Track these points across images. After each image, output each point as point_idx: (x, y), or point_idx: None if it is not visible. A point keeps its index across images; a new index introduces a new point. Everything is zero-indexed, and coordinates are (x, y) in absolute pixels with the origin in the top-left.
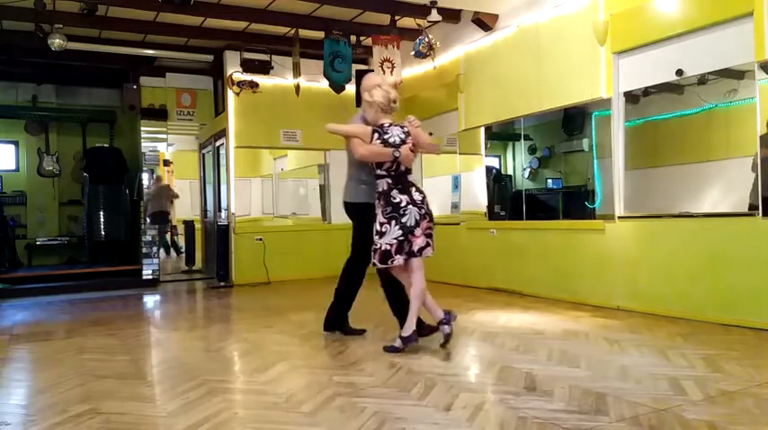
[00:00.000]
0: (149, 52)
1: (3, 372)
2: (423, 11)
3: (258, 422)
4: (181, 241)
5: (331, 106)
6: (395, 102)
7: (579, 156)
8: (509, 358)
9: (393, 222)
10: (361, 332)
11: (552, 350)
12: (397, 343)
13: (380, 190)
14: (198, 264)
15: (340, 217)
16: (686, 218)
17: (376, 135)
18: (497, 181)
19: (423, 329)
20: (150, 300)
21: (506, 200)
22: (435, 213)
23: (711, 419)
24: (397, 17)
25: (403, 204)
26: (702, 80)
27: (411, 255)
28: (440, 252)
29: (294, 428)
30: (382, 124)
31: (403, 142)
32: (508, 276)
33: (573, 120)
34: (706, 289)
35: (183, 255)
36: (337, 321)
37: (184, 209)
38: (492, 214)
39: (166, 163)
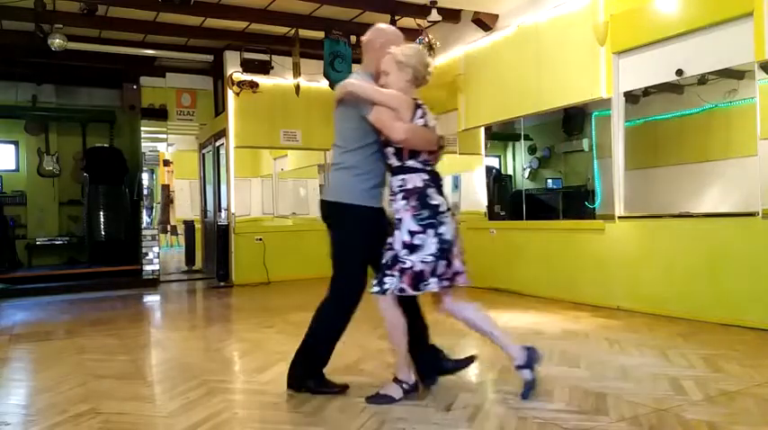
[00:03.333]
0: (149, 52)
1: (3, 372)
2: (423, 11)
3: (258, 422)
4: (181, 241)
5: (331, 106)
6: (430, 74)
7: (579, 156)
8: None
9: (430, 232)
10: (344, 389)
11: (552, 350)
12: (397, 393)
13: (411, 187)
14: (198, 264)
15: None
16: (686, 218)
17: (419, 112)
18: (497, 181)
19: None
20: (150, 300)
21: (506, 200)
22: None
23: (711, 419)
24: (397, 17)
25: (442, 209)
26: (702, 80)
27: (451, 280)
28: None
29: (294, 428)
30: (416, 99)
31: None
32: (508, 276)
33: (573, 120)
34: (706, 289)
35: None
36: (306, 374)
37: (184, 209)
38: (492, 214)
39: (166, 163)
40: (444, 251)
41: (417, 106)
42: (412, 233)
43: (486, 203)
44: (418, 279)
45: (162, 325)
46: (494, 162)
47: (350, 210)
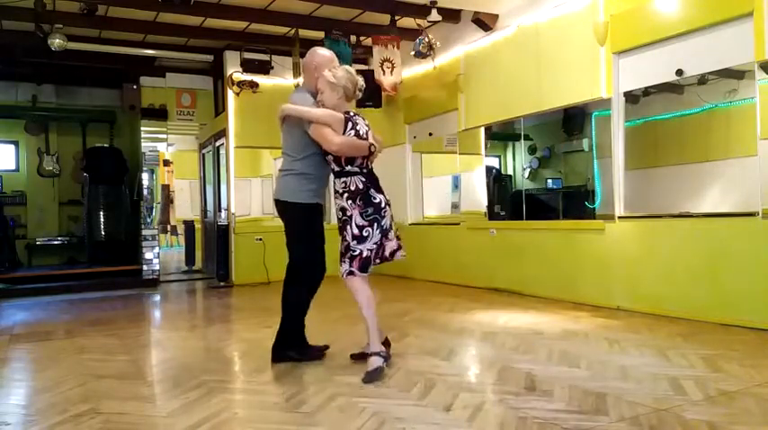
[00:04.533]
0: (149, 52)
1: (3, 372)
2: (423, 11)
3: (258, 422)
4: (181, 241)
5: None
6: (361, 90)
7: (579, 156)
8: (509, 358)
9: (375, 225)
10: (324, 349)
11: (552, 350)
12: (380, 362)
13: (354, 188)
14: (198, 264)
15: None
16: (686, 218)
17: (350, 125)
18: (497, 181)
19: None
20: (150, 300)
21: (506, 200)
22: (435, 213)
23: (711, 419)
24: (397, 17)
25: (382, 205)
26: (702, 80)
27: (384, 259)
28: (440, 252)
29: (294, 428)
30: (348, 112)
31: (367, 136)
32: (508, 276)
33: (573, 120)
34: (706, 289)
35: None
36: (287, 347)
37: (184, 209)
38: (492, 214)
39: (166, 163)
40: (383, 239)
41: (348, 120)
42: (360, 227)
43: (486, 203)
44: (366, 263)
45: (162, 325)
46: (494, 162)
47: (299, 206)
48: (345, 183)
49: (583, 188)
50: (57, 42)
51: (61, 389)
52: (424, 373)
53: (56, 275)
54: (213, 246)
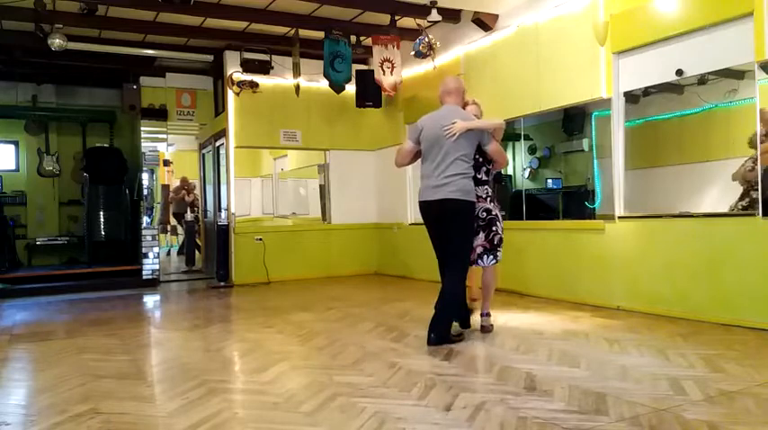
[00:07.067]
0: (149, 52)
1: (3, 372)
2: (423, 11)
3: (258, 422)
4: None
5: (331, 106)
6: None
7: (579, 156)
8: (509, 358)
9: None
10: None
11: (552, 350)
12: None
13: (493, 194)
14: (198, 263)
15: (340, 217)
16: (686, 218)
17: None
18: (497, 181)
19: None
20: (150, 300)
21: (506, 200)
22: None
23: (711, 419)
24: (397, 17)
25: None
26: (702, 80)
27: None
28: None
29: (294, 428)
30: None
31: None
32: (508, 276)
33: (573, 120)
34: (706, 289)
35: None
36: (447, 330)
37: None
38: None
39: (166, 163)
40: None
41: None
42: (500, 222)
43: None
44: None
45: (162, 325)
46: None
47: (473, 205)
48: (488, 190)
49: (583, 188)
50: (57, 42)
51: (61, 389)
52: (424, 373)
53: (56, 275)
54: (213, 246)
